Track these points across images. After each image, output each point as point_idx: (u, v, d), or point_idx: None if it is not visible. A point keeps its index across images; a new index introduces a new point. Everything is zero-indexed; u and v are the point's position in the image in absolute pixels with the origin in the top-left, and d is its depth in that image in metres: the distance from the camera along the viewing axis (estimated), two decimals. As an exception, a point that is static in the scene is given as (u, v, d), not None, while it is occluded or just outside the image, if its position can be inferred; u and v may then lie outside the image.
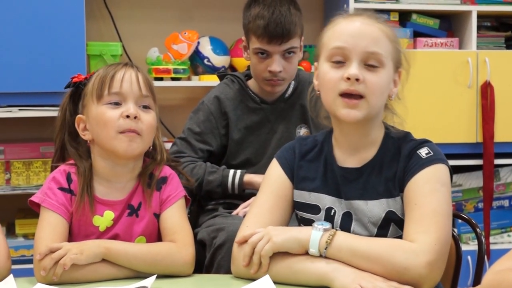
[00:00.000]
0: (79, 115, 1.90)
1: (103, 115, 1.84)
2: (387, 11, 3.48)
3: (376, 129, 1.77)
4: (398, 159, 1.73)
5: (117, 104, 1.84)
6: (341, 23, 1.74)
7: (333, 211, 1.76)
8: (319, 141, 1.84)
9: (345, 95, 1.68)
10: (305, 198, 1.80)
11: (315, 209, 1.78)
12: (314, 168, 1.80)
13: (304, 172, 1.81)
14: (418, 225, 1.62)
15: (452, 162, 3.35)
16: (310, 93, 1.84)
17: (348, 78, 1.67)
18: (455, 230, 1.93)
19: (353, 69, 1.67)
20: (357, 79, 1.67)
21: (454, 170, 3.44)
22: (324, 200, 1.77)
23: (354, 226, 1.73)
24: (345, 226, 1.72)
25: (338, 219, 1.75)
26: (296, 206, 1.82)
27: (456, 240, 1.94)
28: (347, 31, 1.71)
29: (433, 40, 3.52)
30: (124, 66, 1.89)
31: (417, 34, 3.54)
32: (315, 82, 1.80)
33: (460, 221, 3.39)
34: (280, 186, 1.82)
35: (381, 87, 1.71)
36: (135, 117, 1.82)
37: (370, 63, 1.69)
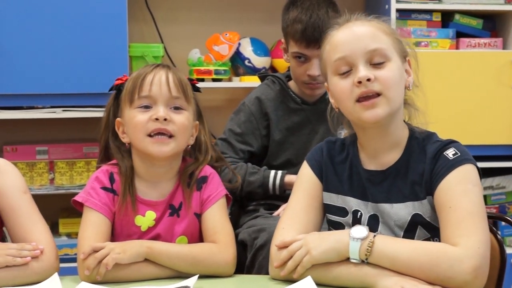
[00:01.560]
0: (118, 119, 1.93)
1: (133, 118, 1.85)
2: (429, 11, 3.44)
3: (398, 130, 1.75)
4: (424, 161, 1.71)
5: (147, 107, 1.85)
6: (335, 35, 1.74)
7: (359, 213, 1.76)
8: (346, 144, 1.84)
9: (362, 99, 1.68)
10: (333, 201, 1.80)
11: (342, 211, 1.78)
12: (341, 171, 1.80)
13: (332, 174, 1.81)
14: (457, 229, 1.60)
15: (495, 164, 3.31)
16: (330, 112, 1.85)
17: (359, 82, 1.67)
18: (499, 232, 1.90)
19: (361, 72, 1.67)
20: (368, 79, 1.66)
21: (496, 172, 3.44)
22: (350, 203, 1.77)
23: (381, 228, 1.72)
24: (372, 228, 1.70)
25: (364, 221, 1.74)
26: (325, 208, 1.82)
27: (501, 243, 1.90)
28: (343, 39, 1.71)
29: (476, 40, 3.47)
30: (155, 68, 1.89)
31: (460, 35, 3.49)
32: (331, 101, 1.80)
33: (503, 223, 3.35)
34: (312, 186, 1.82)
35: (394, 80, 1.69)
36: (165, 119, 1.83)
37: (375, 61, 1.69)
